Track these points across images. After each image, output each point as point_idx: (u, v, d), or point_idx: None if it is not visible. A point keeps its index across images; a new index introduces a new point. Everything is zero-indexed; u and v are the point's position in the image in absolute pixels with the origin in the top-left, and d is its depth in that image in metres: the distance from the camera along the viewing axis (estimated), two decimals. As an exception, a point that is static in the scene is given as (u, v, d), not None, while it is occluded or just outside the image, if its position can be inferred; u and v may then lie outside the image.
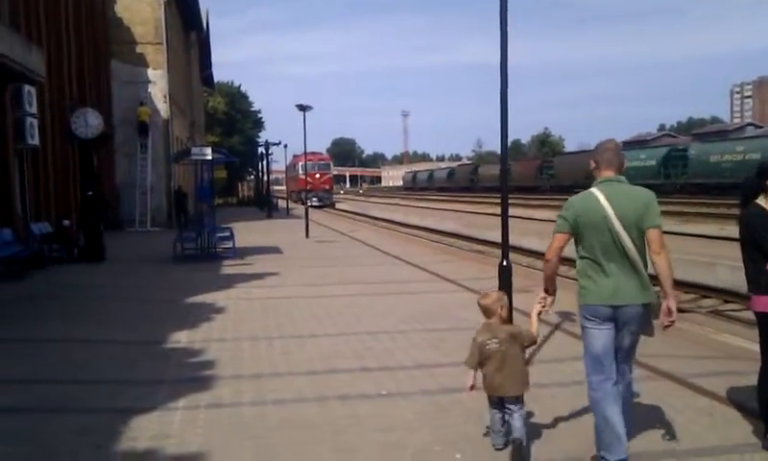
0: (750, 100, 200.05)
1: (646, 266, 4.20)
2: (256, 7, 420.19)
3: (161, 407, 5.57)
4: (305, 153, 26.75)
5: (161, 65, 28.65)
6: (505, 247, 5.80)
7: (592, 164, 4.39)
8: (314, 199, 51.02)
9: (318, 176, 55.71)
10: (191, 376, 6.53)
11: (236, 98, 76.77)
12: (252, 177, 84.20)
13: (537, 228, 26.79)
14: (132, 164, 28.39)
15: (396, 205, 62.98)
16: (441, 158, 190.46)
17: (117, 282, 13.38)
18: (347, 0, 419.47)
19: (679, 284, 8.30)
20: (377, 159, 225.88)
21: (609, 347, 4.24)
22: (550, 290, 4.51)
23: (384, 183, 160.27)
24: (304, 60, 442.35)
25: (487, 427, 4.76)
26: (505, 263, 5.86)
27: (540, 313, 4.58)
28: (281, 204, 53.02)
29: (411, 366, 6.71)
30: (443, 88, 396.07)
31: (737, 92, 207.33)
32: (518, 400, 4.49)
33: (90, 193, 16.79)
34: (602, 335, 4.23)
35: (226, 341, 7.98)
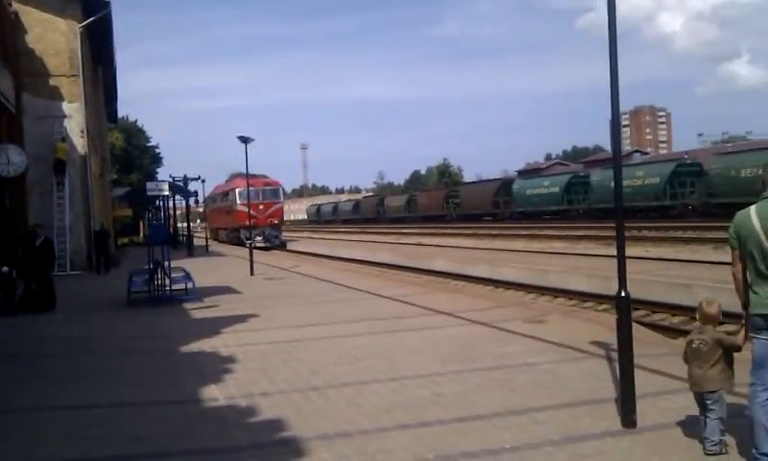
0: (627, 129, 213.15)
1: None
2: (150, 40, 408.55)
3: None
4: (247, 175, 25.40)
5: (77, 98, 26.75)
6: (622, 276, 5.45)
7: (760, 184, 4.53)
8: (258, 237, 38.24)
9: (262, 207, 42.45)
10: (270, 439, 5.72)
11: (133, 133, 73.71)
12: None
13: (462, 255, 26.90)
14: (47, 204, 26.26)
15: (310, 237, 62.37)
16: (340, 191, 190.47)
17: (88, 334, 12.01)
18: (240, 36, 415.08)
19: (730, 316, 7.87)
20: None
21: (765, 356, 4.42)
22: (743, 302, 4.64)
23: (285, 217, 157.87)
24: (199, 94, 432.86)
25: None
26: (623, 294, 5.49)
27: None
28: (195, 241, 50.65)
29: (505, 412, 6.15)
30: (340, 122, 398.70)
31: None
32: (715, 396, 4.77)
33: (43, 238, 15.32)
34: (759, 343, 4.45)
35: (270, 395, 7.13)
